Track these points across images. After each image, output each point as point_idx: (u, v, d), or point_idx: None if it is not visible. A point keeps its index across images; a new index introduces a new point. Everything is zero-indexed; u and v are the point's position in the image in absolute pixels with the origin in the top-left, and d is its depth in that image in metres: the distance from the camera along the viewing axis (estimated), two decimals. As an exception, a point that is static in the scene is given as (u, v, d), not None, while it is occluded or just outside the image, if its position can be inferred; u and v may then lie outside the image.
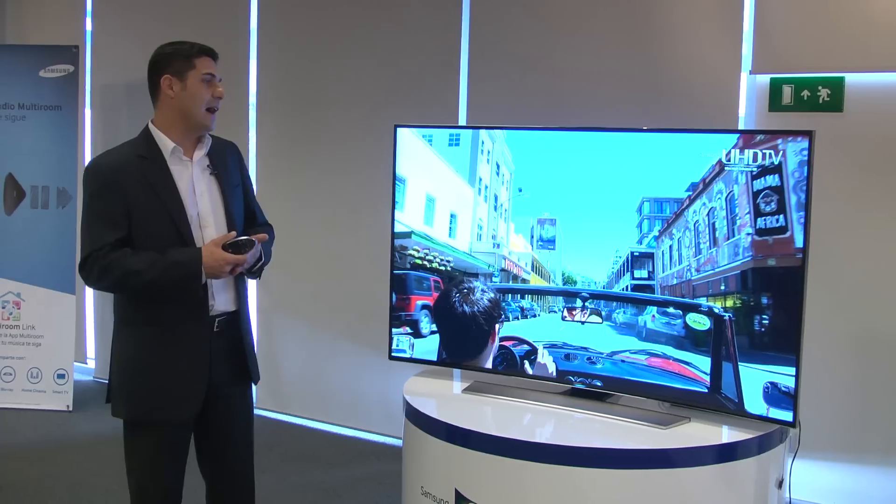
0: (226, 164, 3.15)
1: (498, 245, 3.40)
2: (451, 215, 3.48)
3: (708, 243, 3.03)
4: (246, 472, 3.24)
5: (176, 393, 3.00)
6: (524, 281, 3.37)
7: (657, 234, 3.12)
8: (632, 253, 3.17)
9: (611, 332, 3.21)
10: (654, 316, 3.14)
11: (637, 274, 3.17)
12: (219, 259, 2.90)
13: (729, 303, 3.00)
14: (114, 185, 2.91)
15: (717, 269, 3.02)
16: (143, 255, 2.88)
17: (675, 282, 3.10)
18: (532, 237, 3.35)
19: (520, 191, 3.35)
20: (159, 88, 3.00)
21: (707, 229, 3.03)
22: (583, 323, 3.25)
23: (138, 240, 2.92)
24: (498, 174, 3.40)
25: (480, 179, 3.41)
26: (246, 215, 3.25)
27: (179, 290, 2.93)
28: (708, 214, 3.03)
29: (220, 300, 3.06)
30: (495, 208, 3.40)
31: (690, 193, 3.05)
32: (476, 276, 3.42)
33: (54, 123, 5.72)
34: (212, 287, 3.01)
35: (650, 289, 3.14)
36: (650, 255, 3.14)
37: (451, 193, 3.48)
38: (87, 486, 4.55)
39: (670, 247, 3.11)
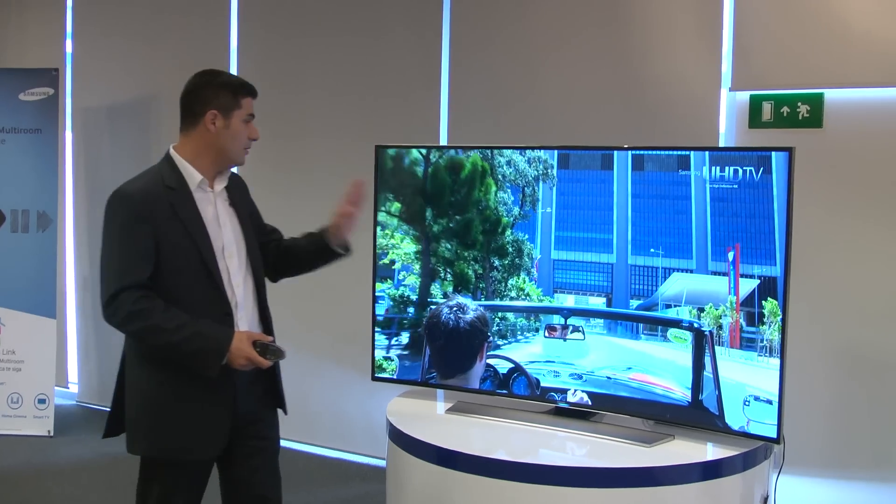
0: (240, 194, 3.09)
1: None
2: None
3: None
4: (275, 498, 3.11)
5: (202, 431, 2.87)
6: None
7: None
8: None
9: (594, 348, 3.20)
10: (636, 331, 3.14)
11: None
12: (242, 351, 2.79)
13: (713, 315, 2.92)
14: (145, 216, 2.79)
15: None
16: (174, 315, 2.76)
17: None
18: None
19: None
20: (200, 120, 2.88)
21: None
22: (565, 340, 3.24)
23: (163, 272, 2.80)
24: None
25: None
26: (257, 230, 3.17)
27: (196, 361, 2.78)
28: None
29: (244, 326, 2.94)
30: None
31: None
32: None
33: (34, 147, 5.67)
34: (237, 311, 2.92)
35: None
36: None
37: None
38: (68, 512, 4.52)
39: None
